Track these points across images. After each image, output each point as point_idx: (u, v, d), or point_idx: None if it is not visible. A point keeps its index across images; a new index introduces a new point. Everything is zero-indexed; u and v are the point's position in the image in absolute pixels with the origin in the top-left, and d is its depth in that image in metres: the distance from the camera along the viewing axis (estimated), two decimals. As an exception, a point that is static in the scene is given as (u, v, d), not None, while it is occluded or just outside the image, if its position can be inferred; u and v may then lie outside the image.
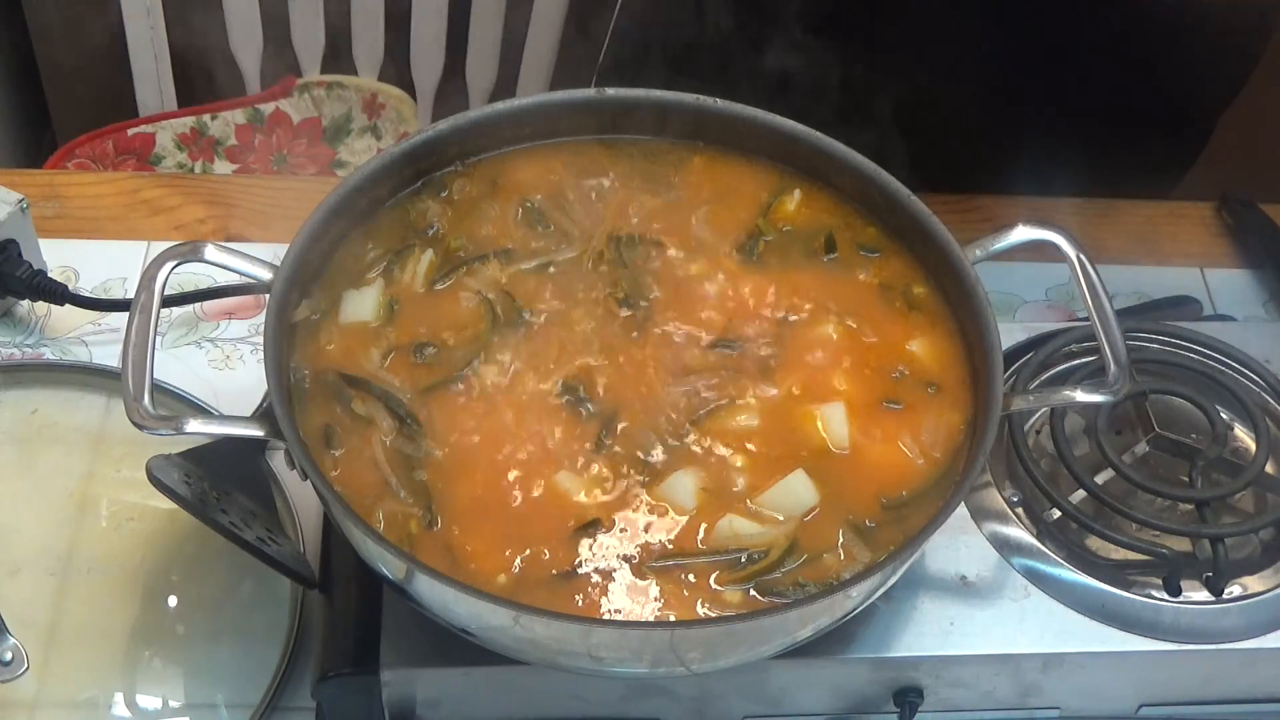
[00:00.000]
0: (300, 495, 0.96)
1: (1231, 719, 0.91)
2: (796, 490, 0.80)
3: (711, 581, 0.76)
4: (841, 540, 0.79)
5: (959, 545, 0.88)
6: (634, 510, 0.79)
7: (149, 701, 0.90)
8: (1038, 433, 0.96)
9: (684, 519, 0.79)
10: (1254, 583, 0.90)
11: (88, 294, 1.10)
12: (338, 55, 1.90)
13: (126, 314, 0.78)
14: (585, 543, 0.77)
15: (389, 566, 0.75)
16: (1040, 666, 0.86)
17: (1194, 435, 0.94)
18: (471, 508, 0.78)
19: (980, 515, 0.90)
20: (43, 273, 1.08)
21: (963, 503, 0.79)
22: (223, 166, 1.86)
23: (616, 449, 0.81)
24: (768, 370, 0.85)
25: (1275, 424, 0.98)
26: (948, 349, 0.88)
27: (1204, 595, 0.88)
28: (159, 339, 0.82)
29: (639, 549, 0.77)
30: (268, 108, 1.86)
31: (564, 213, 0.92)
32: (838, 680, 0.85)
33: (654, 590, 0.76)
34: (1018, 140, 1.17)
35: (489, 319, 0.86)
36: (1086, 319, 0.84)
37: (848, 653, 0.83)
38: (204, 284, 1.10)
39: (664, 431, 0.82)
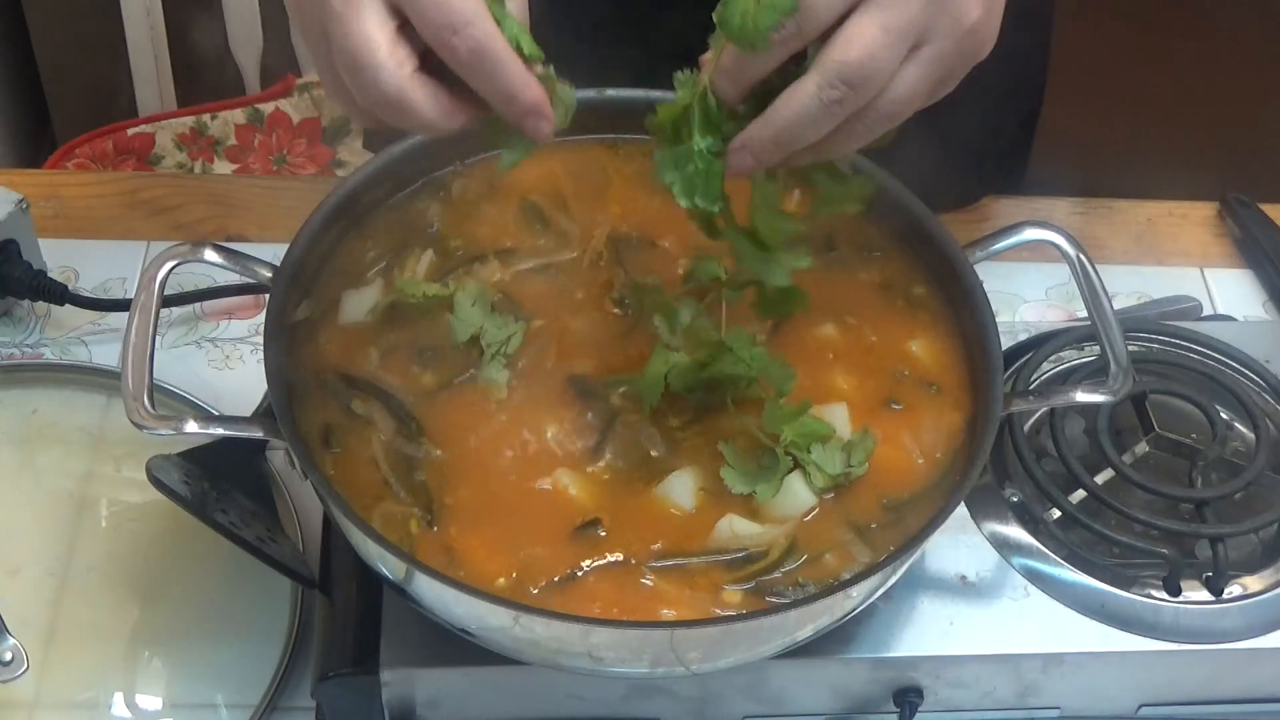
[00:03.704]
0: (300, 495, 0.97)
1: (1231, 719, 0.91)
2: (796, 490, 0.79)
3: (711, 581, 0.76)
4: (841, 540, 0.79)
5: (959, 545, 0.88)
6: (634, 510, 0.78)
7: (149, 701, 0.90)
8: (1038, 433, 0.96)
9: (684, 519, 0.79)
10: (1254, 583, 0.90)
11: (88, 294, 1.10)
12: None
13: (126, 314, 0.78)
14: (585, 543, 0.77)
15: (389, 566, 0.75)
16: (1040, 666, 0.86)
17: (1194, 435, 0.94)
18: (471, 508, 0.78)
19: (980, 515, 0.90)
20: (43, 273, 1.08)
21: (963, 503, 0.79)
22: (223, 166, 1.85)
23: (616, 448, 0.81)
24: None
25: (1275, 424, 0.98)
26: (948, 349, 0.88)
27: (1204, 595, 0.88)
28: (159, 339, 0.82)
29: (639, 549, 0.77)
30: (267, 108, 1.86)
31: (563, 213, 0.92)
32: (838, 680, 0.85)
33: (654, 590, 0.76)
34: None
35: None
36: (1086, 319, 0.85)
37: (848, 653, 0.83)
38: (204, 284, 1.10)
39: (663, 431, 0.82)
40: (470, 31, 0.66)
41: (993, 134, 1.24)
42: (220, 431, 0.80)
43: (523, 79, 0.68)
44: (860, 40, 0.64)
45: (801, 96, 0.67)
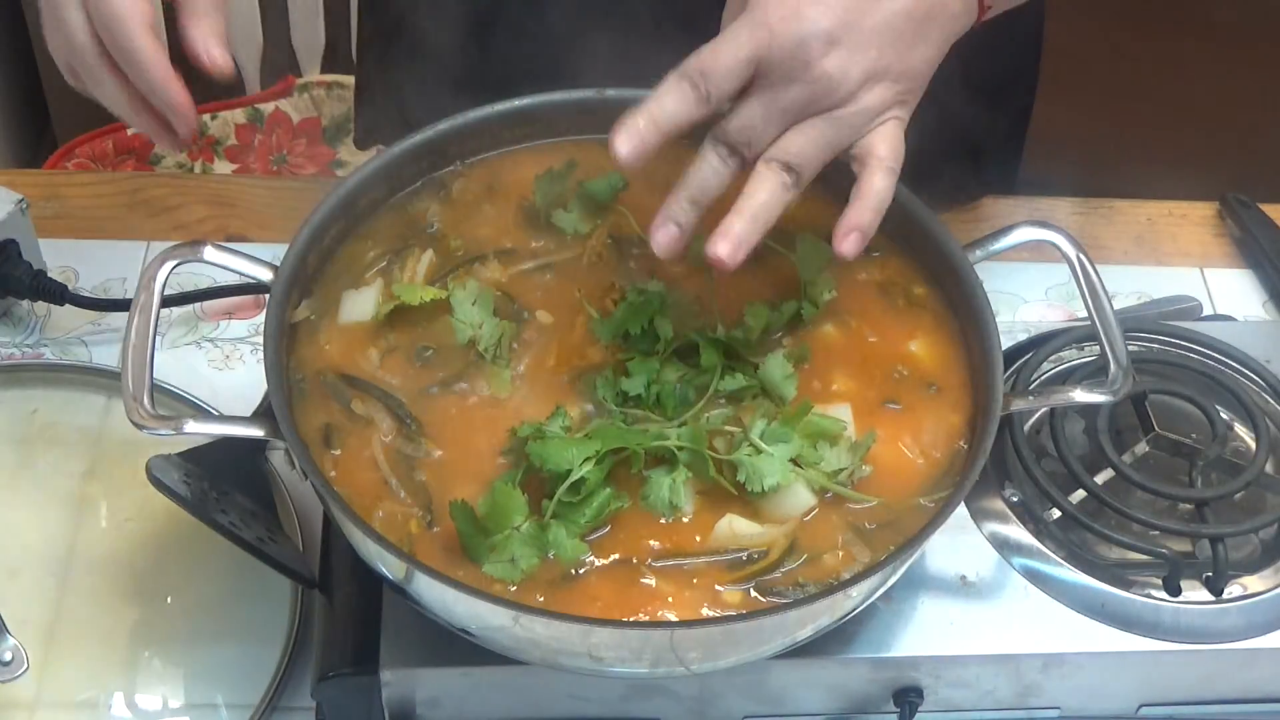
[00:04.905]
0: (300, 495, 0.97)
1: (1231, 719, 0.91)
2: (797, 490, 0.79)
3: (711, 581, 0.76)
4: (841, 540, 0.79)
5: (959, 545, 0.88)
6: (634, 509, 0.78)
7: (149, 701, 0.90)
8: (1038, 433, 0.96)
9: (684, 519, 0.79)
10: (1254, 583, 0.90)
11: (88, 294, 1.10)
12: (337, 55, 1.90)
13: (126, 314, 0.78)
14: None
15: (389, 566, 0.75)
16: (1040, 666, 0.86)
17: (1194, 435, 0.94)
18: (471, 508, 0.78)
19: (980, 515, 0.90)
20: (43, 273, 1.08)
21: (963, 503, 0.79)
22: (223, 166, 1.85)
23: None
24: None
25: (1275, 424, 0.98)
26: (948, 349, 0.88)
27: (1204, 595, 0.88)
28: (159, 339, 0.82)
29: (639, 549, 0.77)
30: (268, 108, 1.86)
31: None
32: (838, 680, 0.85)
33: (654, 590, 0.76)
34: None
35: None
36: (1086, 319, 0.84)
37: (848, 653, 0.83)
38: (204, 284, 1.10)
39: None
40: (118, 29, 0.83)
41: (985, 129, 1.24)
42: (220, 431, 0.80)
43: (165, 79, 0.85)
44: (744, 112, 0.77)
45: (700, 155, 0.79)
